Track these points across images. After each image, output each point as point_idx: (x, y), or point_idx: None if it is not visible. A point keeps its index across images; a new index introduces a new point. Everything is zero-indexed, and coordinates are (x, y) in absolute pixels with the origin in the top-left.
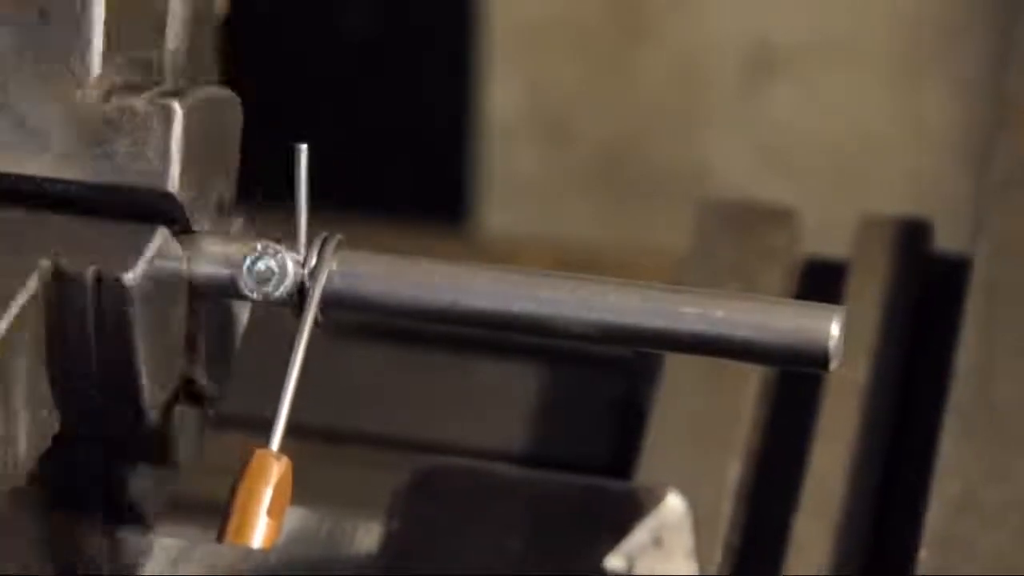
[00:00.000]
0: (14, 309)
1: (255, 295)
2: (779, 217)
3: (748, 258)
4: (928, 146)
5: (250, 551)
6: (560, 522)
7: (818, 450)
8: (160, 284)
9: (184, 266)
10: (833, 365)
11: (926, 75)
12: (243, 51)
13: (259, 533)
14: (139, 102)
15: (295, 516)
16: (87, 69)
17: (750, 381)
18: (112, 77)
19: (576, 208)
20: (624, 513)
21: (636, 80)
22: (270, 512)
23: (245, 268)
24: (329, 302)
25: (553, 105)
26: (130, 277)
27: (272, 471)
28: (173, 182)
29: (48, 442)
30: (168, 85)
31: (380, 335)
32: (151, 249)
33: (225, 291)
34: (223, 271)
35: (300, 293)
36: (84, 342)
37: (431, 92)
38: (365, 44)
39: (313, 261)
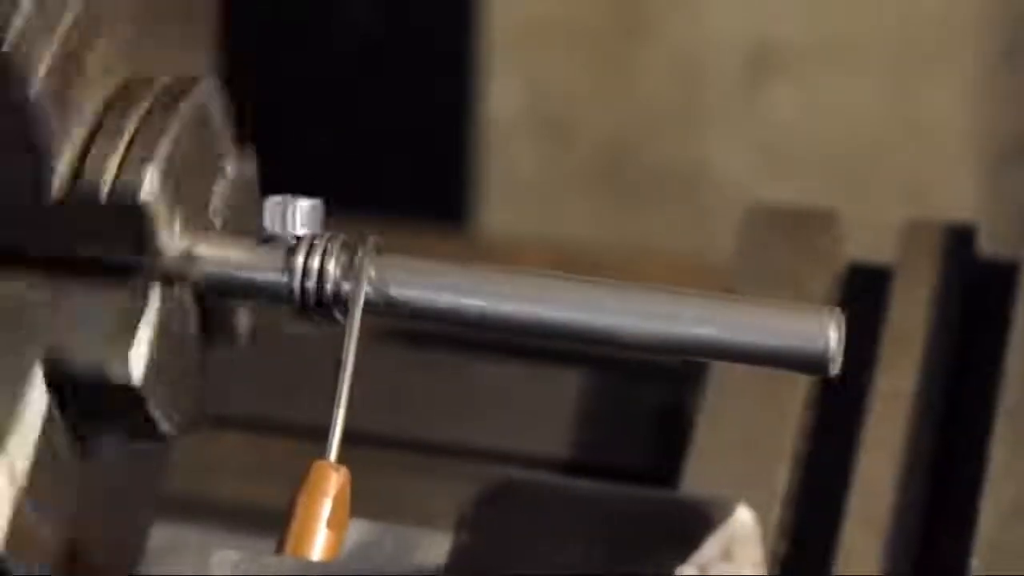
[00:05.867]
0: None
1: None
2: (824, 221)
3: (794, 263)
4: (928, 146)
5: (310, 563)
6: (631, 534)
7: (866, 456)
8: (166, 344)
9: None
10: (832, 369)
11: (926, 75)
12: (243, 51)
13: (319, 545)
14: (108, 180)
15: (358, 528)
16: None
17: (798, 387)
18: (80, 130)
19: (576, 208)
20: (694, 526)
21: (636, 80)
22: (330, 524)
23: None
24: (369, 308)
25: (553, 105)
26: (135, 367)
27: (331, 482)
28: (161, 249)
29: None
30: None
31: (414, 339)
32: (149, 325)
33: (248, 295)
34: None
35: (336, 299)
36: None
37: (431, 92)
38: (365, 44)
39: (349, 265)
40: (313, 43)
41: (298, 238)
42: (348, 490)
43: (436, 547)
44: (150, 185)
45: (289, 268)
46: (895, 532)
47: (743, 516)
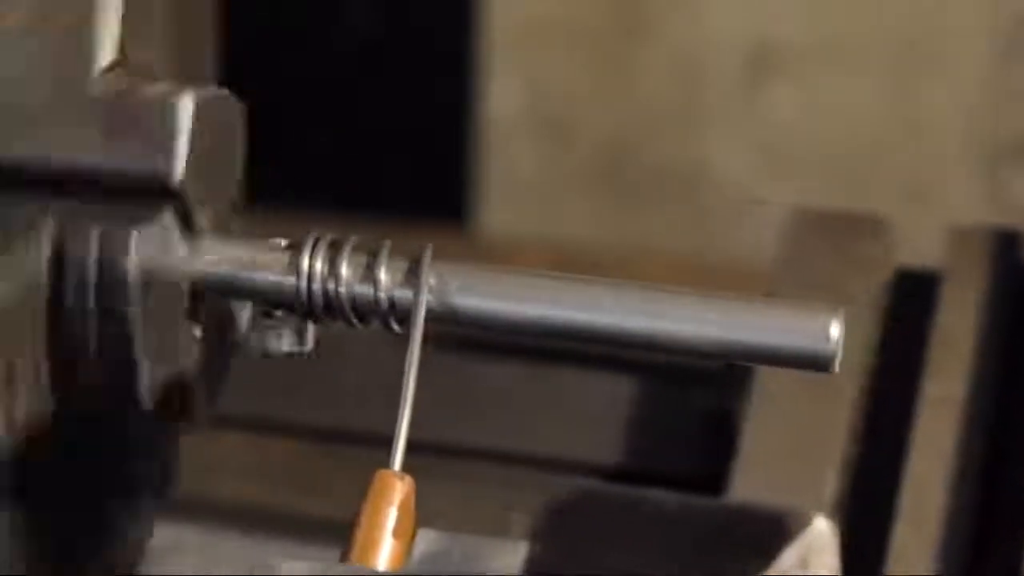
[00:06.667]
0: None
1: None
2: (870, 226)
3: (838, 268)
4: (928, 146)
5: (377, 574)
6: (707, 545)
7: (917, 461)
8: (162, 269)
9: (187, 266)
10: (834, 367)
11: (926, 75)
12: (243, 51)
13: (384, 555)
14: (149, 93)
15: (425, 538)
16: (97, 57)
17: (845, 392)
18: (122, 69)
19: (576, 208)
20: (771, 536)
21: (636, 80)
22: (395, 533)
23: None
24: (430, 317)
25: (553, 105)
26: (131, 260)
27: (395, 491)
28: (178, 174)
29: (48, 417)
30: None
31: (467, 346)
32: (155, 229)
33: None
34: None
35: (391, 307)
36: (85, 320)
37: (431, 92)
38: (365, 44)
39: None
40: (313, 43)
41: (301, 240)
42: (413, 499)
43: (505, 557)
44: (186, 106)
45: (296, 270)
46: (947, 537)
47: (821, 526)
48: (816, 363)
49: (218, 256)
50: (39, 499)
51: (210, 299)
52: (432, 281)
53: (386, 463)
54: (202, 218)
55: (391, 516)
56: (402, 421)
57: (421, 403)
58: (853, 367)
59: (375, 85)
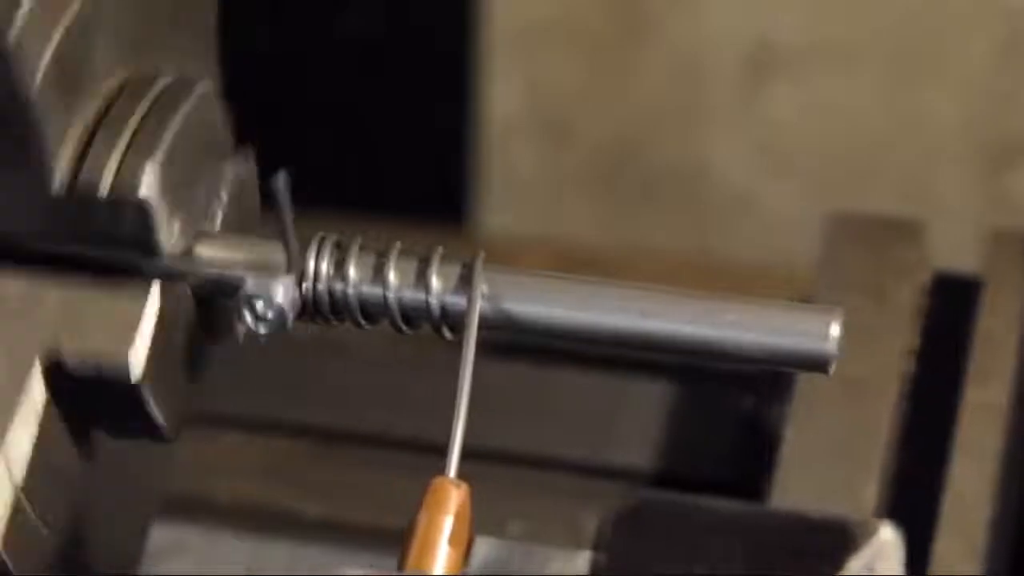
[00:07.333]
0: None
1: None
2: (908, 231)
3: (877, 273)
4: (928, 146)
5: None
6: (773, 555)
7: (959, 468)
8: (168, 342)
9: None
10: (833, 367)
11: (926, 75)
12: (243, 51)
13: (440, 563)
14: (108, 178)
15: (484, 546)
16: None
17: (886, 397)
18: (76, 129)
19: (576, 208)
20: (836, 545)
21: (636, 80)
22: (451, 541)
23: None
24: (483, 324)
25: (553, 105)
26: (135, 365)
27: (451, 499)
28: (160, 247)
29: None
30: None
31: (499, 347)
32: (149, 323)
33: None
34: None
35: (443, 314)
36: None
37: (431, 92)
38: (365, 44)
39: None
40: (313, 43)
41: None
42: (469, 507)
43: (565, 565)
44: (149, 182)
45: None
46: (990, 544)
47: (887, 535)
48: (815, 363)
49: (217, 257)
50: (39, 499)
51: (210, 299)
52: (484, 287)
53: (387, 463)
54: (189, 236)
55: (447, 524)
56: (457, 428)
57: (478, 409)
58: (893, 372)
59: (375, 85)
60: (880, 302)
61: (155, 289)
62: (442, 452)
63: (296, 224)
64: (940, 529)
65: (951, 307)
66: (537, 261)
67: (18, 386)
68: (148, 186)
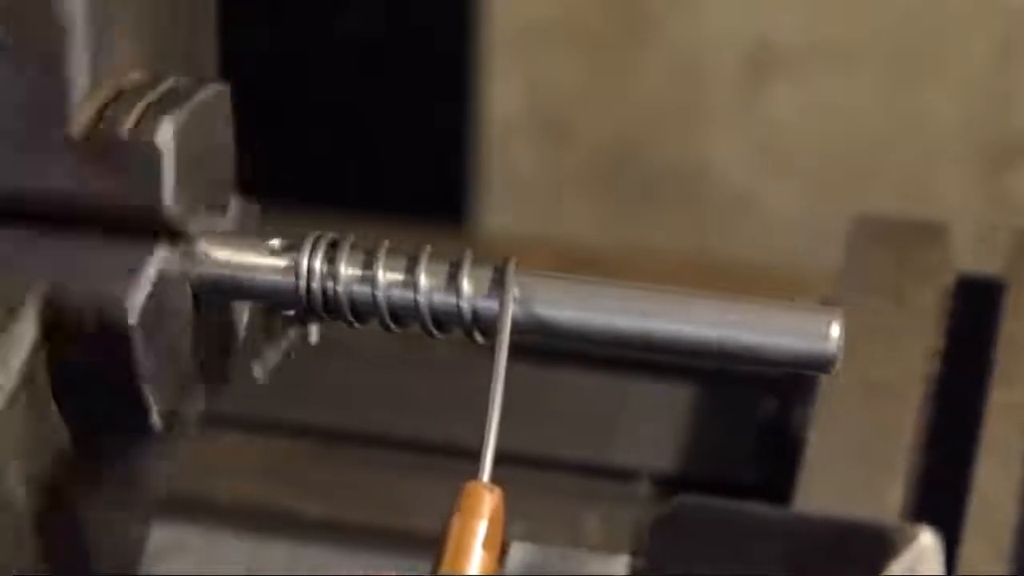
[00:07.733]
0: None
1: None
2: (931, 233)
3: (900, 275)
4: (928, 146)
5: None
6: (814, 560)
7: (985, 470)
8: (164, 305)
9: (187, 290)
10: (834, 367)
11: (925, 75)
12: (243, 51)
13: (474, 567)
14: (127, 129)
15: (520, 551)
16: (73, 89)
17: (910, 399)
18: (102, 91)
19: (576, 208)
20: (876, 550)
21: (636, 80)
22: (485, 545)
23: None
24: (514, 328)
25: (553, 105)
26: (132, 308)
27: (485, 503)
28: (168, 200)
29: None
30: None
31: (536, 354)
32: (151, 272)
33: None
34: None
35: (474, 318)
36: (86, 362)
37: (431, 92)
38: (365, 44)
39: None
40: (313, 43)
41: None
42: (502, 511)
43: (603, 570)
44: (165, 134)
45: (296, 270)
46: (1017, 546)
47: (927, 540)
48: (816, 364)
49: (220, 257)
50: (39, 499)
51: (212, 302)
52: (516, 291)
53: (387, 463)
54: (196, 225)
55: (481, 528)
56: (490, 431)
57: (506, 412)
58: (917, 374)
59: (375, 85)
60: (903, 304)
61: (159, 246)
62: (443, 452)
63: (296, 224)
64: (966, 531)
65: (975, 309)
66: (537, 261)
67: (8, 324)
68: (164, 136)
